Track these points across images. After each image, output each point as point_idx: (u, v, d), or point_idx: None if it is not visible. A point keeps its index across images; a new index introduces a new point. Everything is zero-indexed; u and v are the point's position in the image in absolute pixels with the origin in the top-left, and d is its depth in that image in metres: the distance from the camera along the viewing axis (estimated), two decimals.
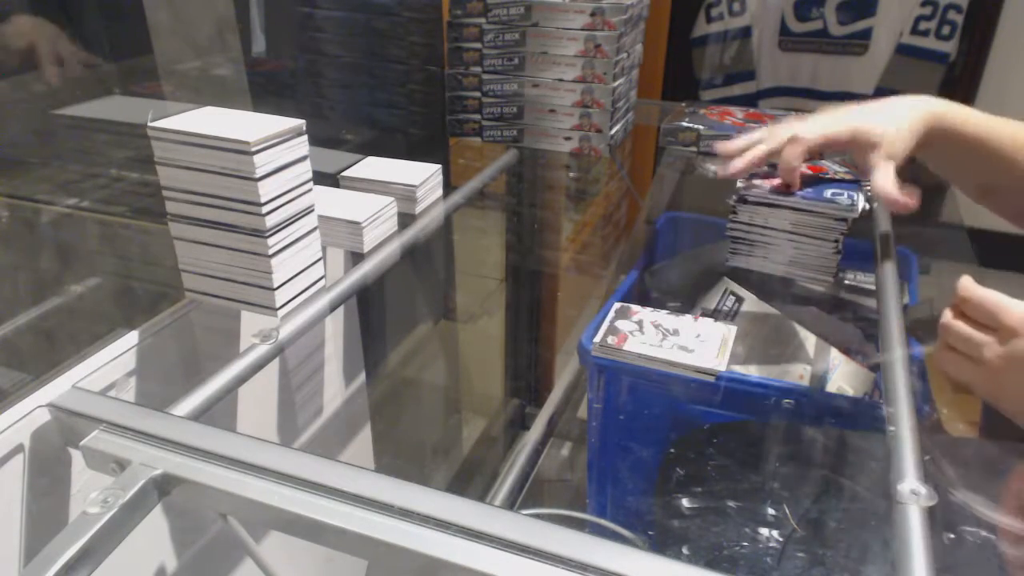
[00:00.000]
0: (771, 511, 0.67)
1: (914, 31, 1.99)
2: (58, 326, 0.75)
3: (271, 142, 0.55)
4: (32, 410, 0.50)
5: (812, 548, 0.64)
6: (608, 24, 0.93)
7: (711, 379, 0.72)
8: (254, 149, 0.54)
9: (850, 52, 2.05)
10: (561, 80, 0.98)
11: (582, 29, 0.94)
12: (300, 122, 0.58)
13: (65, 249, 0.80)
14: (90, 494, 0.42)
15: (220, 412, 0.57)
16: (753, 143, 0.78)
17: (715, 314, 0.91)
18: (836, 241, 0.78)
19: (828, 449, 0.72)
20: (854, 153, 0.72)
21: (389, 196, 0.77)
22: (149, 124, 0.56)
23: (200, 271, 0.61)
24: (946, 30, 1.97)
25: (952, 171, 0.77)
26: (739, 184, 0.81)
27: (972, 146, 0.70)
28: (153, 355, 0.61)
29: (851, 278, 0.94)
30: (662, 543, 0.68)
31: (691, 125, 1.00)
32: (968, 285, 0.56)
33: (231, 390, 0.55)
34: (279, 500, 0.43)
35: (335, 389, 0.90)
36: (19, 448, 0.50)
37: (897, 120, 0.69)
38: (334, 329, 0.88)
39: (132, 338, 0.59)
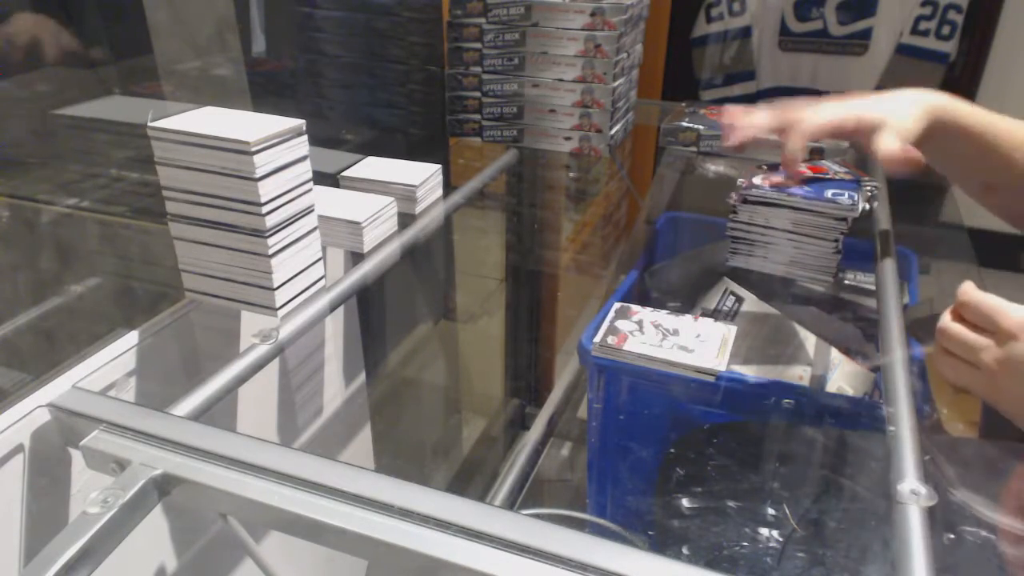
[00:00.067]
0: (771, 511, 0.67)
1: (914, 31, 1.99)
2: (58, 326, 0.75)
3: (271, 142, 0.55)
4: (32, 410, 0.50)
5: (812, 548, 0.64)
6: (608, 24, 0.93)
7: (711, 379, 0.72)
8: (254, 149, 0.54)
9: (850, 52, 2.05)
10: (561, 80, 0.98)
11: (582, 29, 0.94)
12: (300, 122, 0.58)
13: (65, 249, 0.80)
14: (90, 494, 0.42)
15: (220, 412, 0.57)
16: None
17: (715, 314, 0.91)
18: (836, 241, 0.78)
19: (828, 449, 0.72)
20: (860, 138, 0.71)
21: (389, 196, 0.77)
22: (149, 124, 0.56)
23: (200, 271, 0.61)
24: (946, 30, 1.97)
25: (953, 167, 0.76)
26: (739, 184, 0.81)
27: (973, 141, 0.70)
28: (153, 355, 0.61)
29: (851, 278, 0.94)
30: (662, 543, 0.68)
31: (691, 125, 1.00)
32: (968, 289, 0.56)
33: (231, 390, 0.55)
34: (279, 500, 0.43)
35: (335, 389, 0.90)
36: (19, 448, 0.50)
37: (903, 108, 0.68)
38: (334, 329, 0.88)
39: (132, 338, 0.59)
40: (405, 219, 0.79)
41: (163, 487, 0.45)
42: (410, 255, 0.77)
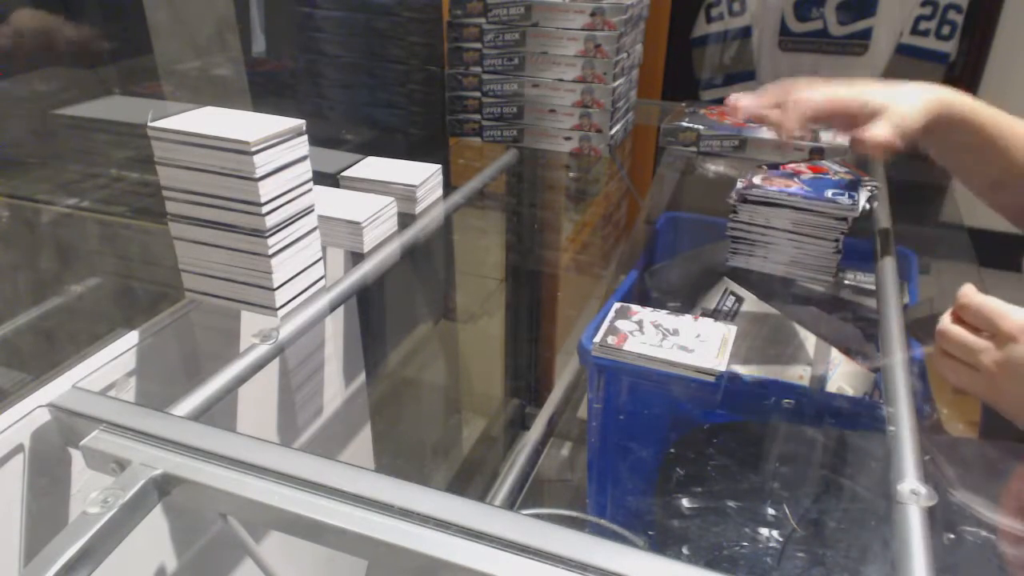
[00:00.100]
0: (771, 511, 0.67)
1: (914, 31, 1.99)
2: (58, 326, 0.75)
3: (271, 142, 0.55)
4: (32, 410, 0.50)
5: (812, 548, 0.64)
6: (608, 24, 0.93)
7: (711, 379, 0.72)
8: (254, 149, 0.54)
9: (850, 52, 2.05)
10: (561, 80, 0.98)
11: (582, 29, 0.94)
12: (300, 122, 0.58)
13: (65, 249, 0.80)
14: (90, 494, 0.42)
15: (220, 412, 0.57)
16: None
17: (715, 314, 0.91)
18: (836, 241, 0.78)
19: (828, 449, 0.72)
20: (859, 123, 0.70)
21: (389, 196, 0.77)
22: (149, 124, 0.56)
23: (200, 271, 0.61)
24: (946, 30, 1.97)
25: (960, 163, 0.75)
26: (739, 184, 0.81)
27: (982, 137, 0.69)
28: (153, 355, 0.61)
29: (851, 278, 0.94)
30: (662, 543, 0.68)
31: (691, 125, 1.00)
32: (968, 292, 0.56)
33: (231, 390, 0.55)
34: (279, 500, 0.43)
35: (335, 389, 0.90)
36: (19, 448, 0.50)
37: (908, 98, 0.68)
38: (334, 329, 0.88)
39: (132, 338, 0.59)
40: (405, 219, 0.79)
41: (163, 487, 0.45)
42: (410, 255, 0.77)
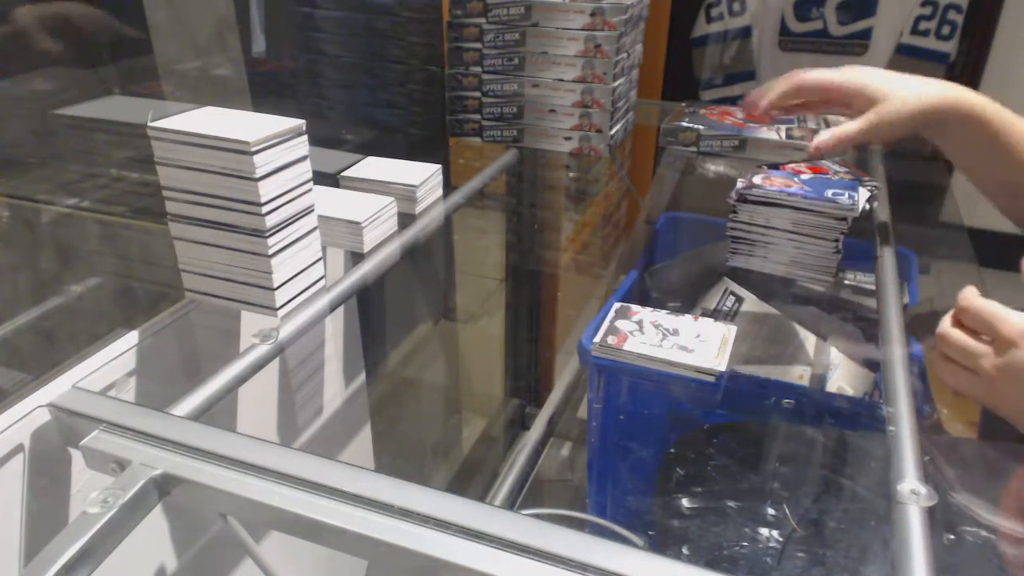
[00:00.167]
0: (771, 511, 0.67)
1: (914, 31, 1.99)
2: (58, 326, 0.75)
3: (271, 142, 0.55)
4: (32, 410, 0.50)
5: (812, 548, 0.64)
6: (608, 24, 0.93)
7: (711, 379, 0.72)
8: (254, 149, 0.54)
9: (850, 52, 2.05)
10: (561, 80, 0.98)
11: (582, 29, 0.94)
12: (300, 122, 0.58)
13: (65, 249, 0.80)
14: (90, 494, 0.42)
15: (220, 412, 0.57)
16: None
17: (715, 314, 0.91)
18: (836, 241, 0.78)
19: (828, 449, 0.72)
20: (855, 106, 0.71)
21: (389, 196, 0.77)
22: (149, 124, 0.56)
23: (200, 271, 0.61)
24: (946, 30, 1.97)
25: (969, 161, 0.75)
26: (739, 184, 0.81)
27: (986, 135, 0.69)
28: (153, 355, 0.61)
29: (851, 278, 0.94)
30: (662, 543, 0.68)
31: (691, 125, 1.00)
32: (968, 295, 0.56)
33: (231, 390, 0.55)
34: (279, 500, 0.43)
35: (335, 389, 0.90)
36: (19, 448, 0.50)
37: (908, 89, 0.68)
38: (334, 329, 0.88)
39: (132, 338, 0.59)
40: (405, 219, 0.79)
41: (163, 487, 0.45)
42: (410, 255, 0.77)
